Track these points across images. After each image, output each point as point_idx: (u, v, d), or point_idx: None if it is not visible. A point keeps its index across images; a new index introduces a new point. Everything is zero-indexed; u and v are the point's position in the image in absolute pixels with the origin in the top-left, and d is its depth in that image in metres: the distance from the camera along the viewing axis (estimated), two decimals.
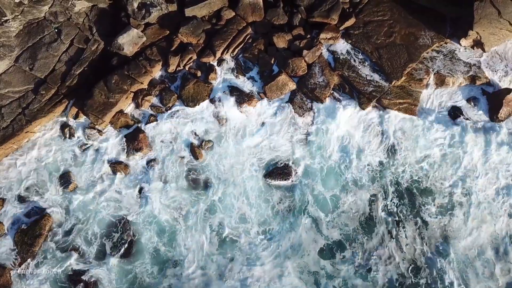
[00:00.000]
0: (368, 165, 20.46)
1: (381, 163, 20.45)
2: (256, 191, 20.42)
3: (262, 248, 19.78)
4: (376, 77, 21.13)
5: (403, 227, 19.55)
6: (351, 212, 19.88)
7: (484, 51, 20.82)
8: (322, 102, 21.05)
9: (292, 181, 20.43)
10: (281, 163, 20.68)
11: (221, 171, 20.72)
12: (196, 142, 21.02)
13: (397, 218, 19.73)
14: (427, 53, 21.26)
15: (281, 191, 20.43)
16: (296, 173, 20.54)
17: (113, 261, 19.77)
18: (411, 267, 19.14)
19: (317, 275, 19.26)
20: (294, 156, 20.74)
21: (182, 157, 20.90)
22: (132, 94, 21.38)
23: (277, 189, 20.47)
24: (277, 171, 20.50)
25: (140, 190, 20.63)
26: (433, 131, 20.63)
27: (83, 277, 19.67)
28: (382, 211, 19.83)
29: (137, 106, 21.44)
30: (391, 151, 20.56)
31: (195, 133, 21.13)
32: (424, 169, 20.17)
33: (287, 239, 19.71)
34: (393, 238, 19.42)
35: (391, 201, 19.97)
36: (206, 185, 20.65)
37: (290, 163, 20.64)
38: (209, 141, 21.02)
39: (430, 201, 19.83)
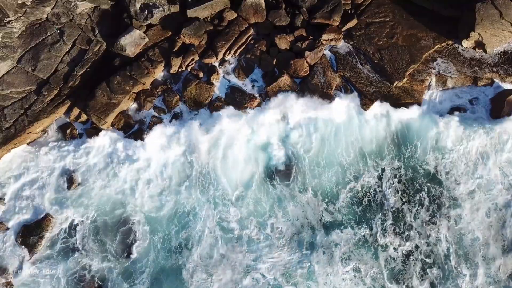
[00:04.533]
0: None
1: None
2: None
3: None
4: (378, 78, 21.17)
5: None
6: None
7: (486, 52, 20.85)
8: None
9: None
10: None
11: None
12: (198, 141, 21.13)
13: None
14: (428, 54, 21.30)
15: None
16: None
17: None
18: None
19: None
20: None
21: (185, 158, 21.02)
22: (134, 95, 21.40)
23: None
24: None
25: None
26: None
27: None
28: None
29: (140, 107, 21.46)
30: None
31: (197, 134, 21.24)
32: None
33: None
34: None
35: None
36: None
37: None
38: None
39: None
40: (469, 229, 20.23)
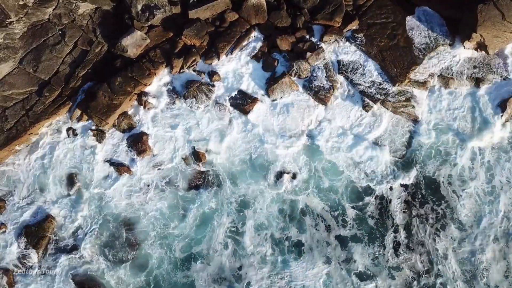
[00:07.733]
0: None
1: None
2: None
3: None
4: (379, 79, 21.14)
5: None
6: None
7: (487, 53, 20.80)
8: (325, 104, 21.08)
9: None
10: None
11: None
12: (198, 144, 21.09)
13: None
14: (430, 55, 21.25)
15: None
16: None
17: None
18: None
19: None
20: None
21: (186, 159, 21.00)
22: (135, 96, 21.41)
23: None
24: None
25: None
26: None
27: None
28: None
29: (141, 108, 21.46)
30: None
31: (198, 134, 21.22)
32: None
33: None
34: None
35: None
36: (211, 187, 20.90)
37: None
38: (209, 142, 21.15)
39: None
40: None
